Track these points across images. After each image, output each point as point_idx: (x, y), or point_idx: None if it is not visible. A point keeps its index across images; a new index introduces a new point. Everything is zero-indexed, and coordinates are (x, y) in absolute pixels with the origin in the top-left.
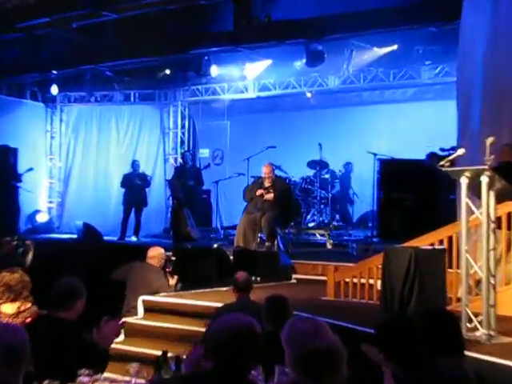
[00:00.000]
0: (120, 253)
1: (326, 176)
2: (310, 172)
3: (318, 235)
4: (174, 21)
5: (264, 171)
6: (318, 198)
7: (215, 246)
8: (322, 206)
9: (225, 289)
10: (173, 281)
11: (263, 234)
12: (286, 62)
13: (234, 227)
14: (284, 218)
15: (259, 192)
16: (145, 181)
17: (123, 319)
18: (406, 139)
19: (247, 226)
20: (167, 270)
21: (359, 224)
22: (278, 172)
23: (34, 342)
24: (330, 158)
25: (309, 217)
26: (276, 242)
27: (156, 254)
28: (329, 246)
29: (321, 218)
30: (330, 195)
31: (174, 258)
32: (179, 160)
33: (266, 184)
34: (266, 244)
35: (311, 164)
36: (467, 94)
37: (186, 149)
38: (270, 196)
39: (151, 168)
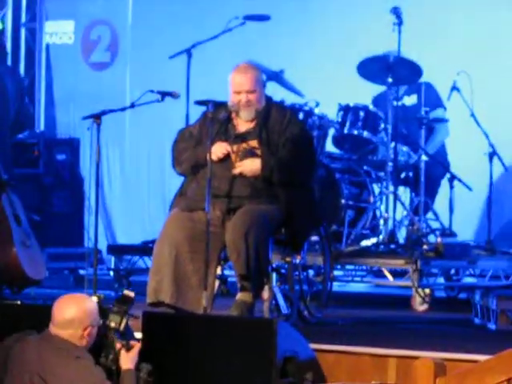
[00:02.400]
0: None
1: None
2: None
3: (385, 271)
4: None
5: (236, 82)
6: (387, 178)
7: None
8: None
9: None
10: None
11: (234, 267)
12: None
13: (145, 249)
14: (293, 224)
15: (221, 149)
16: None
17: None
18: None
19: (184, 243)
20: (118, 346)
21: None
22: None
23: None
24: None
25: (360, 222)
26: (268, 294)
27: (68, 315)
28: (419, 306)
29: (391, 227)
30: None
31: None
32: None
33: (242, 125)
34: (239, 298)
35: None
36: None
37: None
38: (247, 165)
39: None
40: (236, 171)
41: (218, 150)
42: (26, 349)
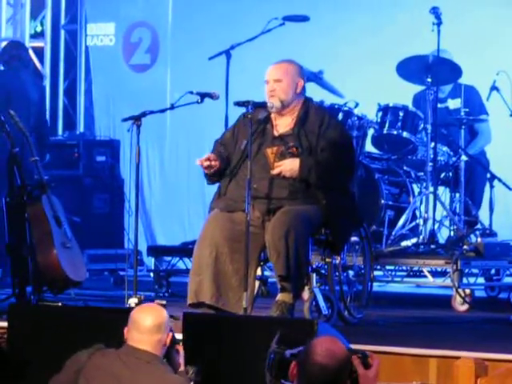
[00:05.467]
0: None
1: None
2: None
3: (425, 272)
4: None
5: (267, 73)
6: (425, 178)
7: (131, 304)
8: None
9: None
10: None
11: (274, 268)
12: None
13: (185, 251)
14: (333, 225)
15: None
16: None
17: None
18: None
19: (224, 244)
20: (178, 350)
21: None
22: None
23: None
24: None
25: (400, 222)
26: (309, 295)
27: (156, 320)
28: (459, 307)
29: (431, 227)
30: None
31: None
32: None
33: (280, 126)
34: (280, 298)
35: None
36: None
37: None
38: (286, 165)
39: None
40: (275, 172)
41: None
42: (112, 363)
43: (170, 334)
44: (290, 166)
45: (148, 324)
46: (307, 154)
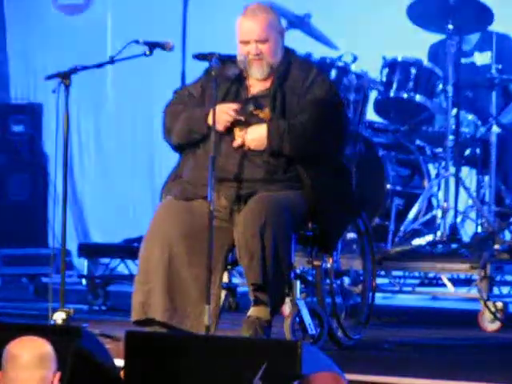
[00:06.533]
0: None
1: None
2: None
3: (444, 279)
4: None
5: (243, 30)
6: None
7: (57, 319)
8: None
9: None
10: None
11: (245, 274)
12: None
13: (128, 250)
14: (322, 215)
15: (226, 115)
16: None
17: None
18: None
19: (180, 242)
20: None
21: None
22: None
23: None
24: None
25: (412, 214)
26: (291, 309)
27: (37, 352)
28: (488, 325)
29: (452, 221)
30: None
31: None
32: None
33: (256, 85)
34: (253, 314)
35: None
36: None
37: None
38: (250, 134)
39: None
40: (236, 143)
41: (223, 116)
42: None
43: (58, 374)
44: (254, 134)
45: (27, 358)
46: (280, 118)
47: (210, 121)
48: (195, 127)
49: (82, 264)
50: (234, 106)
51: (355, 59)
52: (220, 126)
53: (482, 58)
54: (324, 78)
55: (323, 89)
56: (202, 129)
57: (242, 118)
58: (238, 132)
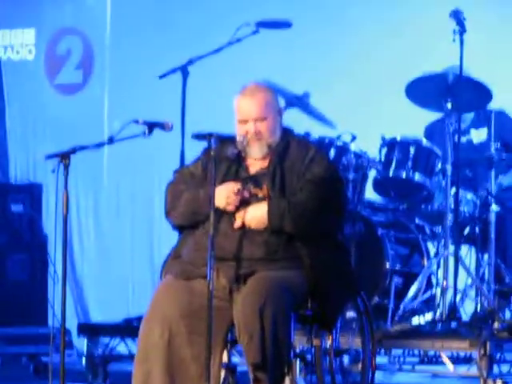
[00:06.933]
0: None
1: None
2: None
3: (444, 357)
4: None
5: (241, 109)
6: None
7: None
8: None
9: None
10: None
11: (245, 353)
12: None
13: (128, 330)
14: (321, 294)
15: (229, 193)
16: None
17: None
18: None
19: (180, 321)
20: None
21: None
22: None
23: None
24: None
25: (411, 293)
26: None
27: None
28: None
29: (452, 299)
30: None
31: None
32: None
33: (254, 165)
34: None
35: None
36: None
37: None
38: (250, 213)
39: None
40: (236, 224)
41: (225, 194)
42: None
43: None
44: (254, 213)
45: None
46: (280, 197)
47: (216, 202)
48: (199, 209)
49: (82, 343)
50: (238, 185)
51: (354, 138)
52: (231, 207)
53: (478, 135)
54: (323, 156)
55: (322, 166)
56: (206, 210)
57: (247, 195)
58: (237, 212)
